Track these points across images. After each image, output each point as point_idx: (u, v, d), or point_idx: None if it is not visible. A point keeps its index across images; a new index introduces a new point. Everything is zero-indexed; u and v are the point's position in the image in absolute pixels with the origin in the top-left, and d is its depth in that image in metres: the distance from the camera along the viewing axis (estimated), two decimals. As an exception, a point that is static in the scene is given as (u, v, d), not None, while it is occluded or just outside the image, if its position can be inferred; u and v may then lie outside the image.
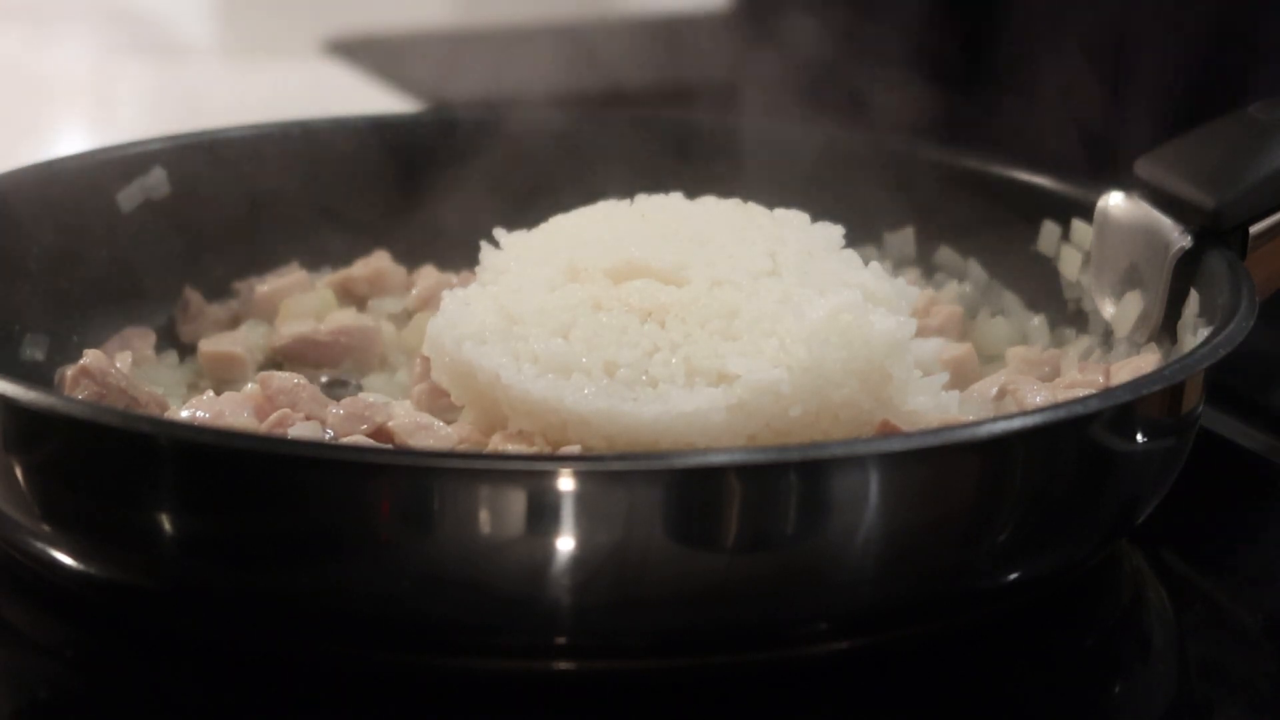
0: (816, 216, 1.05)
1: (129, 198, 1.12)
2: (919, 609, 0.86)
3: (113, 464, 0.84)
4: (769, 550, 0.82)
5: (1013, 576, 0.88)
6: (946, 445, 0.83)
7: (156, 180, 1.13)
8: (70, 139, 1.71)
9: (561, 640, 0.83)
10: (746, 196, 1.08)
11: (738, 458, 0.83)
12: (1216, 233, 0.99)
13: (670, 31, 2.01)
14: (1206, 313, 0.97)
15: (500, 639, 0.83)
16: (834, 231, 1.04)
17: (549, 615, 0.82)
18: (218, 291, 1.15)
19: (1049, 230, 1.11)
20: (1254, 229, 0.99)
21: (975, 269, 1.16)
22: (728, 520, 0.81)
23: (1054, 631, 0.91)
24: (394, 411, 0.96)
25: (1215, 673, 0.91)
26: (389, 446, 0.93)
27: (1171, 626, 0.95)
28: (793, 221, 1.04)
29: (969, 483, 0.85)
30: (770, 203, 1.07)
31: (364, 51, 1.97)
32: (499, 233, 1.05)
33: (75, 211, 1.10)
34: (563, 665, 0.84)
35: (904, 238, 1.18)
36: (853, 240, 1.06)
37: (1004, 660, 0.89)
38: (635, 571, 0.81)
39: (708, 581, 0.82)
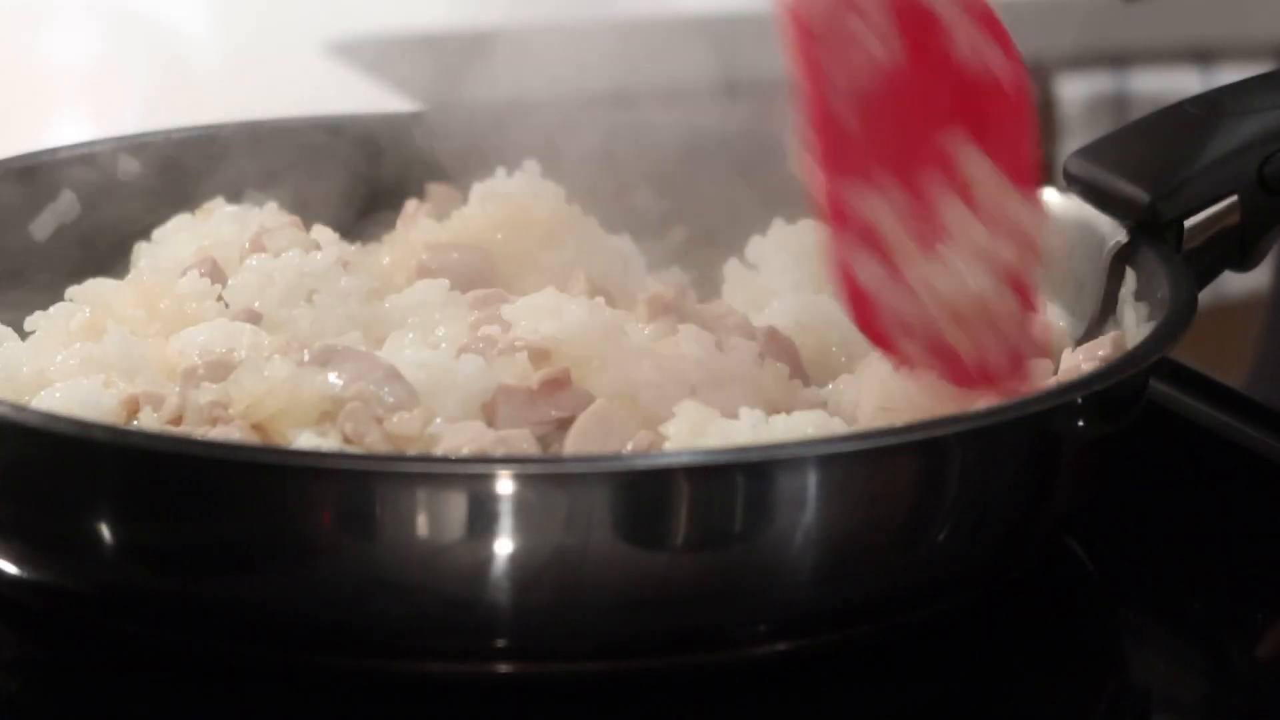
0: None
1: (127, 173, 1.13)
2: (861, 609, 0.86)
3: (46, 467, 0.84)
4: (713, 551, 0.81)
5: (955, 575, 0.87)
6: (885, 447, 0.83)
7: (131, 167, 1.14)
8: (70, 138, 1.71)
9: (501, 643, 0.82)
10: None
11: (684, 459, 0.83)
12: (1152, 227, 0.98)
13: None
14: (1146, 306, 0.96)
15: (445, 642, 0.83)
16: None
17: (489, 617, 0.81)
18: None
19: None
20: (1189, 223, 0.99)
21: None
22: (675, 521, 0.81)
23: (1005, 629, 0.91)
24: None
25: (1163, 662, 0.91)
26: (348, 450, 0.90)
27: (1113, 619, 0.95)
28: None
29: (909, 483, 0.84)
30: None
31: (364, 51, 1.97)
32: None
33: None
34: (503, 668, 0.83)
35: None
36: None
37: (954, 659, 0.89)
38: (578, 573, 0.81)
39: (650, 583, 0.81)
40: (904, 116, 0.92)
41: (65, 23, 2.02)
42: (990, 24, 0.94)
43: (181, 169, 1.14)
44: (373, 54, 1.96)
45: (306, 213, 1.11)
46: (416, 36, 2.05)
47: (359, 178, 1.17)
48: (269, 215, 1.09)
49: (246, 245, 1.03)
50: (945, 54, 0.93)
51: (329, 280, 1.00)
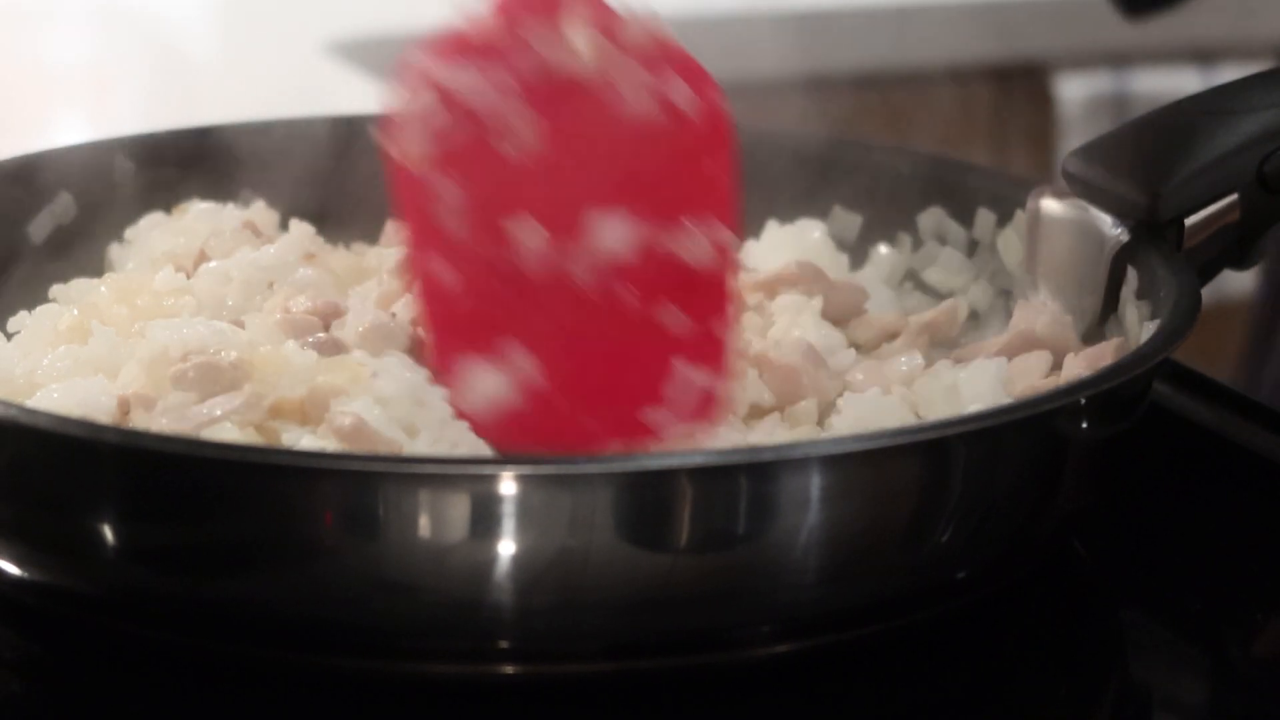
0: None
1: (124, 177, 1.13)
2: (865, 610, 0.86)
3: (51, 469, 0.83)
4: (716, 552, 0.81)
5: (959, 576, 0.87)
6: (889, 448, 0.83)
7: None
8: (70, 138, 1.71)
9: (505, 644, 0.82)
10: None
11: (688, 460, 0.83)
12: (1152, 226, 0.98)
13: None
14: (1148, 305, 0.96)
15: (448, 643, 0.83)
16: None
17: (493, 619, 0.81)
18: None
19: (984, 217, 1.11)
20: (1189, 222, 0.99)
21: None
22: (678, 522, 0.81)
23: (1007, 629, 0.91)
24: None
25: (1164, 662, 0.91)
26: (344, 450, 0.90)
27: (1114, 619, 0.95)
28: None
29: (913, 484, 0.84)
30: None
31: (364, 51, 1.97)
32: None
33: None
34: (506, 669, 0.83)
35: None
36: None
37: (957, 660, 0.89)
38: (582, 574, 0.81)
39: (654, 584, 0.81)
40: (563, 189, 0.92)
41: (65, 23, 2.02)
42: (676, 62, 0.92)
43: (178, 168, 1.14)
44: (373, 54, 1.96)
45: (300, 212, 1.12)
46: (416, 36, 2.05)
47: (357, 177, 1.16)
48: (238, 214, 1.09)
49: (196, 255, 1.03)
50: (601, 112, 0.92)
51: (285, 271, 1.01)
